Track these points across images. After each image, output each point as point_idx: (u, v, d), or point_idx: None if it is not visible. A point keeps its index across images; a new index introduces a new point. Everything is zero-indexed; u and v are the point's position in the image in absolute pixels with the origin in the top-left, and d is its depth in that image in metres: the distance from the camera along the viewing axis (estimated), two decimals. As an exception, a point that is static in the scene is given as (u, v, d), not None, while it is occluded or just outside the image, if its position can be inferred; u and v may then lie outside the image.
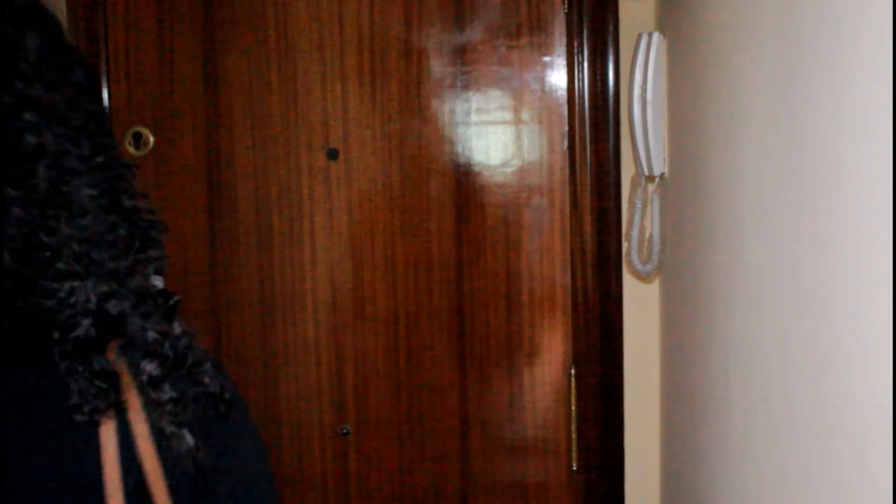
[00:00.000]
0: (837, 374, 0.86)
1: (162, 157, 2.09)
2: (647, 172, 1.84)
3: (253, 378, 2.10)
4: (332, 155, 2.06)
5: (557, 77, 2.01)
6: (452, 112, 2.03)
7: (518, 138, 2.05)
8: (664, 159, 1.82)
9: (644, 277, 1.97)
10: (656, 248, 1.85)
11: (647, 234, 1.87)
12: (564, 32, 2.00)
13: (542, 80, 2.01)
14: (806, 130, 0.94)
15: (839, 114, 0.84)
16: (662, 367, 1.98)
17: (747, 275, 1.23)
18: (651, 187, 1.86)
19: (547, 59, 2.00)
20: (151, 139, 2.09)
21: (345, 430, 2.08)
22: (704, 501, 1.55)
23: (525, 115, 2.03)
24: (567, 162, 2.01)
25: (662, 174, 1.82)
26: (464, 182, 2.03)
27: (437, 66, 2.02)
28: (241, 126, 2.08)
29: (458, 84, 2.02)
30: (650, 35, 1.80)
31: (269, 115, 2.07)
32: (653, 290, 1.99)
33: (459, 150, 2.05)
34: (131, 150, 2.10)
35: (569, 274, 2.03)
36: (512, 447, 2.06)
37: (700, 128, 1.53)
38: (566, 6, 1.99)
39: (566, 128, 2.01)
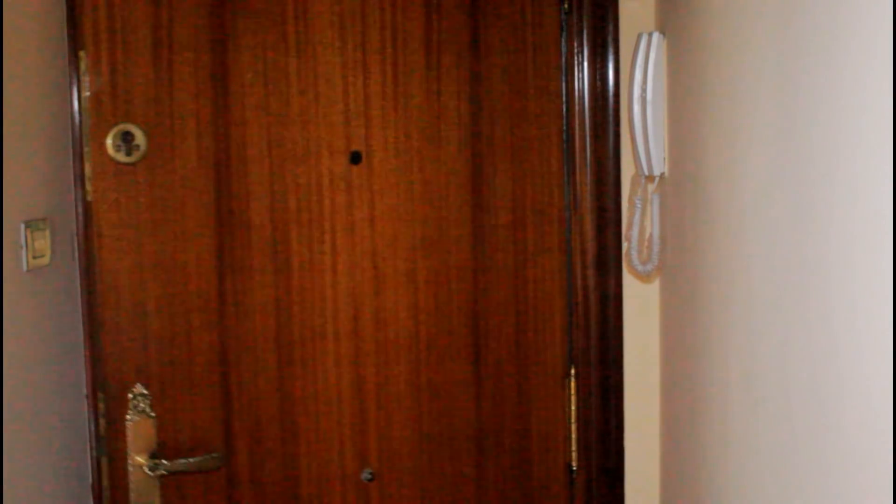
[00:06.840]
0: (837, 374, 0.86)
1: (158, 164, 1.81)
2: (647, 172, 1.84)
3: (269, 431, 1.90)
4: (355, 159, 1.89)
5: (557, 77, 2.01)
6: (467, 111, 2.00)
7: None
8: (664, 159, 1.82)
9: (644, 277, 1.97)
10: (656, 248, 1.85)
11: (647, 234, 1.88)
12: (564, 32, 2.00)
13: (543, 80, 2.00)
14: (806, 130, 0.94)
15: (839, 114, 0.84)
16: (662, 367, 1.98)
17: (747, 275, 1.23)
18: (651, 187, 1.87)
19: (547, 59, 2.00)
20: (144, 142, 1.78)
21: (368, 475, 1.95)
22: (704, 501, 1.55)
23: (525, 115, 2.03)
24: (567, 162, 2.01)
25: (662, 174, 1.82)
26: (477, 183, 2.01)
27: (454, 62, 1.97)
28: (255, 126, 1.85)
29: (469, 85, 2.00)
30: (650, 35, 1.80)
31: (287, 114, 1.86)
32: (653, 290, 1.99)
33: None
34: (119, 155, 1.77)
35: (568, 274, 2.03)
36: (512, 447, 2.06)
37: (700, 128, 1.53)
38: (566, 6, 1.99)
39: (566, 127, 2.01)
